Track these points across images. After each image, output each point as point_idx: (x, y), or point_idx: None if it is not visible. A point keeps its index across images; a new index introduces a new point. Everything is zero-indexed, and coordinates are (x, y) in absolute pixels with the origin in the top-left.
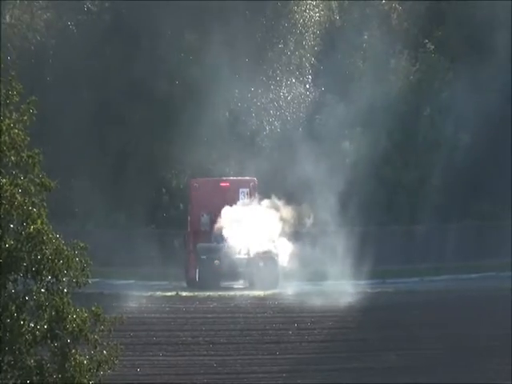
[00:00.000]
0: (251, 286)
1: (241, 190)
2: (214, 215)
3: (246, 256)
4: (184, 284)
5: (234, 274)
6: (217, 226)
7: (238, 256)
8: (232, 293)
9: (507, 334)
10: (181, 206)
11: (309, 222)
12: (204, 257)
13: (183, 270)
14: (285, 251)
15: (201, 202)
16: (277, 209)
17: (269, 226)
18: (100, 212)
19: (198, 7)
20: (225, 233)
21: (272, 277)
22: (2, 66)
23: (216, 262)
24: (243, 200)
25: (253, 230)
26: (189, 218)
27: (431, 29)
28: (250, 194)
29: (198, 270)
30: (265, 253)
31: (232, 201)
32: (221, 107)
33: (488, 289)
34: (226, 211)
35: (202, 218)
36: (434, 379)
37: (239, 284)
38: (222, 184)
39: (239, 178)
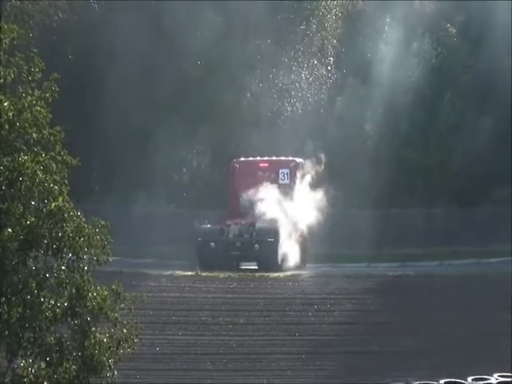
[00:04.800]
0: (248, 269)
1: (280, 170)
2: (253, 196)
3: (242, 239)
4: None
5: (229, 257)
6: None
7: (234, 239)
8: (252, 274)
9: None
10: (202, 186)
11: (329, 204)
12: (200, 239)
13: None
14: (292, 234)
15: (240, 183)
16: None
17: (283, 208)
18: (120, 190)
19: None
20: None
21: (270, 260)
22: (24, 43)
23: (211, 244)
24: (282, 181)
25: (262, 212)
26: (229, 199)
27: (453, 13)
28: (291, 175)
29: (196, 252)
30: (260, 236)
31: (271, 182)
32: (242, 88)
33: (507, 273)
34: (251, 192)
35: (240, 199)
36: (451, 363)
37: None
38: (262, 165)
39: (279, 158)
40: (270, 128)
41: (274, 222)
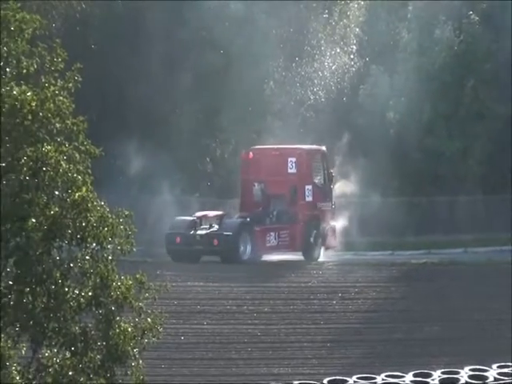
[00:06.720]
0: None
1: (289, 159)
2: (265, 185)
3: (201, 232)
4: None
5: (192, 251)
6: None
7: (196, 232)
8: (275, 262)
9: None
10: (225, 175)
11: (353, 192)
12: (168, 231)
13: None
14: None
15: (253, 172)
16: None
17: (289, 197)
18: (144, 180)
19: None
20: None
21: (229, 254)
22: (47, 33)
23: (177, 237)
24: (290, 170)
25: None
26: (241, 188)
27: (475, 0)
28: (298, 164)
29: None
30: (221, 229)
31: (281, 171)
32: (265, 77)
33: None
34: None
35: (253, 189)
36: (476, 350)
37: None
38: (274, 153)
39: (289, 146)
40: (293, 117)
41: (243, 215)
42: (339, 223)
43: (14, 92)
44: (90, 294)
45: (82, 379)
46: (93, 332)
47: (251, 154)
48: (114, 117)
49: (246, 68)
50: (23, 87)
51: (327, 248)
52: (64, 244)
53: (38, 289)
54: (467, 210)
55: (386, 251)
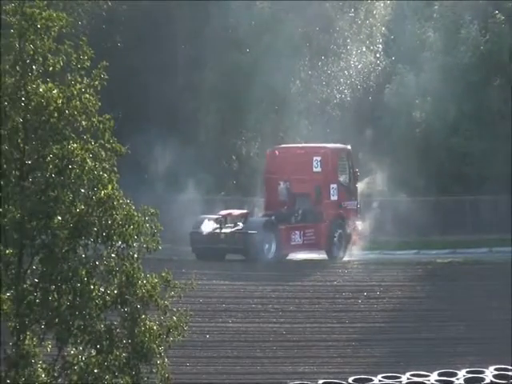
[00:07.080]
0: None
1: (314, 158)
2: (290, 184)
3: (226, 231)
4: None
5: (216, 249)
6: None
7: (220, 231)
8: (300, 260)
9: None
10: (251, 173)
11: (378, 191)
12: (192, 230)
13: None
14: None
15: (278, 170)
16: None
17: (314, 196)
18: (170, 178)
19: None
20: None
21: (253, 252)
22: (73, 31)
23: (202, 236)
24: (315, 168)
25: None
26: (265, 187)
27: None
28: (322, 163)
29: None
30: (245, 228)
31: (306, 169)
32: (291, 75)
33: None
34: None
35: (278, 187)
36: (501, 350)
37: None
38: (299, 152)
39: (314, 145)
40: (319, 115)
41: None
42: (364, 222)
43: (41, 90)
44: (115, 292)
45: (107, 377)
46: (118, 330)
47: (276, 152)
48: (139, 115)
49: (272, 67)
50: (49, 85)
51: (352, 245)
52: (90, 242)
53: (63, 287)
54: (492, 209)
55: (412, 250)
